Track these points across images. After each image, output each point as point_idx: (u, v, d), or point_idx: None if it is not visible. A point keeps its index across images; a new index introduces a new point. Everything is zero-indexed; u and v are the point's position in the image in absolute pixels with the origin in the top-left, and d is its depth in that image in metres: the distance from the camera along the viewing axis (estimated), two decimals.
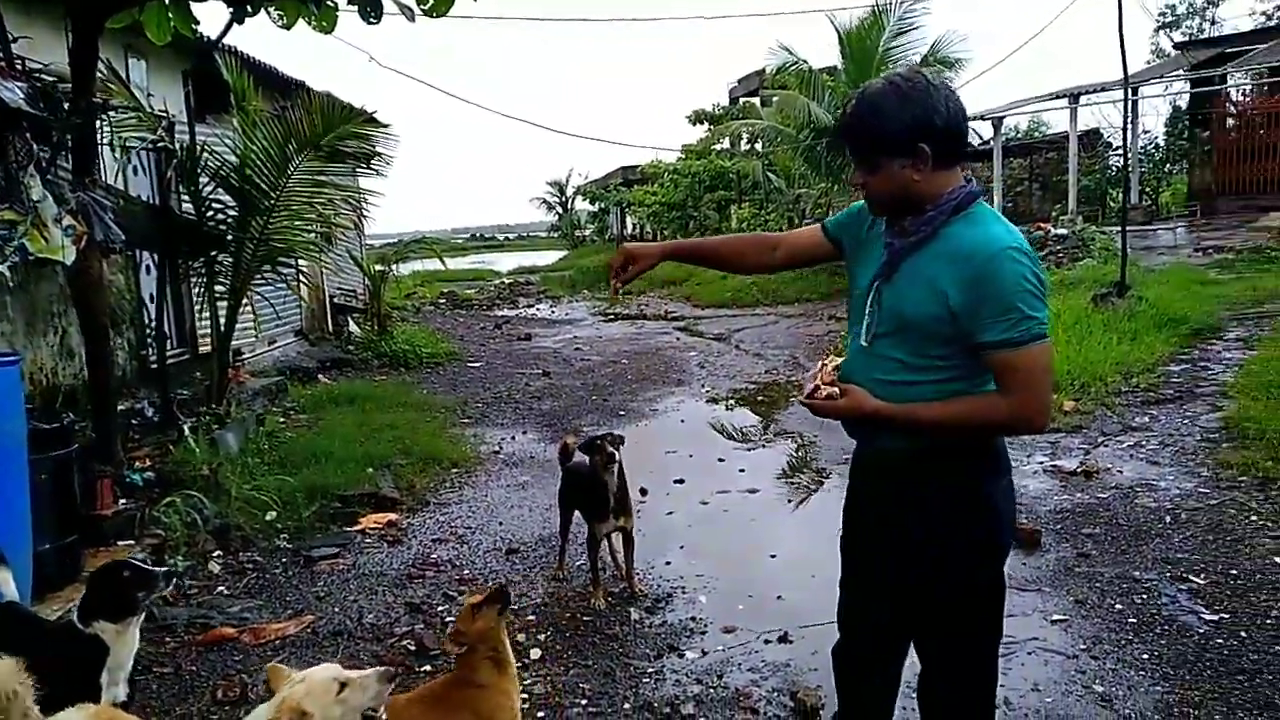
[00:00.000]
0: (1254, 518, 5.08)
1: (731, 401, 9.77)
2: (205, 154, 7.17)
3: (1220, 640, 3.83)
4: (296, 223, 7.59)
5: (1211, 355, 9.10)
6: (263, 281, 7.87)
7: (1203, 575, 4.46)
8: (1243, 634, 3.86)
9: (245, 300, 7.63)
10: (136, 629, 2.94)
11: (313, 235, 8.12)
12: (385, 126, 7.53)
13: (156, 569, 2.90)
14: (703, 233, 31.99)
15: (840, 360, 2.45)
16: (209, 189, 7.23)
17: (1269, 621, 3.94)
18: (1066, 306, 10.18)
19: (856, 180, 2.35)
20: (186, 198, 7.28)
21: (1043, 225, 17.63)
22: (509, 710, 2.86)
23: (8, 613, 3.10)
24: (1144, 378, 8.27)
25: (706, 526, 5.80)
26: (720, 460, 7.32)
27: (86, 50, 5.23)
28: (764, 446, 7.80)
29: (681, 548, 5.36)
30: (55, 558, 4.22)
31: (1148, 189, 23.21)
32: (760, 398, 9.89)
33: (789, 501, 6.32)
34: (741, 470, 6.97)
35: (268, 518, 5.71)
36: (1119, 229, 12.08)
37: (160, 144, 7.12)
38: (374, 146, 7.57)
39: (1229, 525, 5.03)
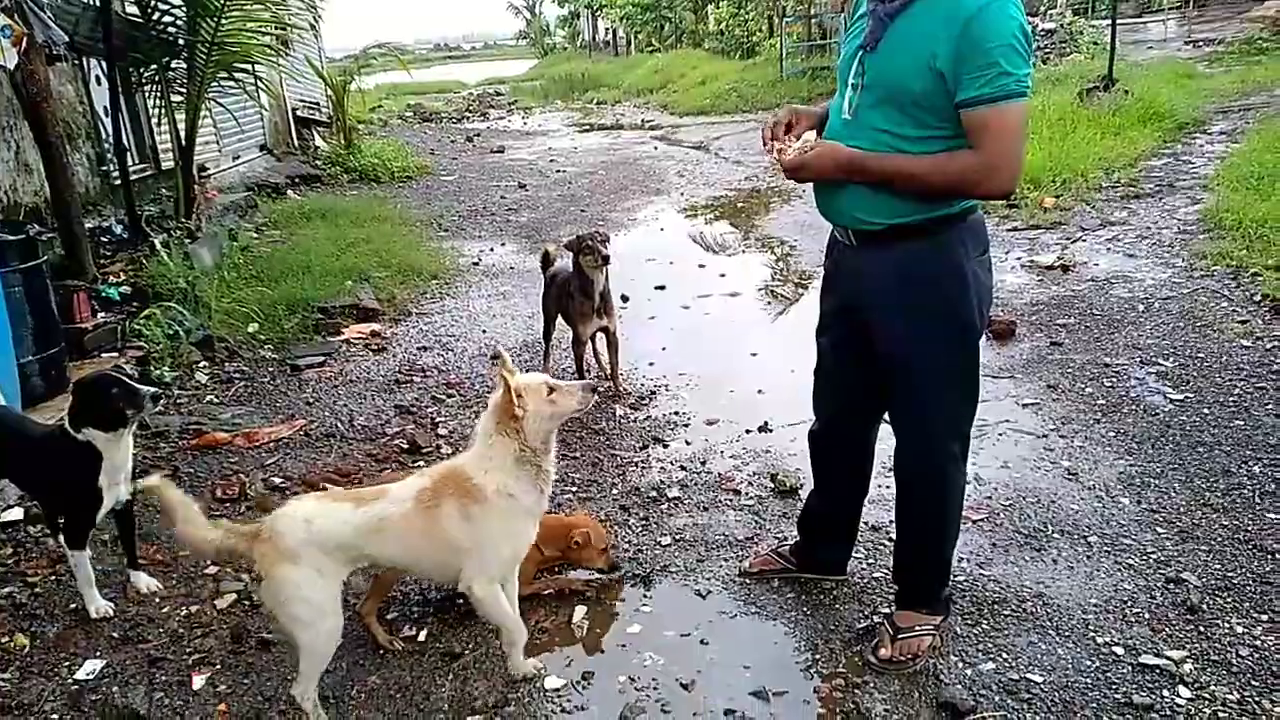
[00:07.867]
0: (1224, 304, 5.19)
1: (711, 209, 9.65)
2: None
3: (1184, 417, 3.99)
4: (249, 24, 7.16)
5: (1194, 149, 9.02)
6: (221, 91, 7.50)
7: (1171, 359, 4.59)
8: (1205, 411, 4.02)
9: (204, 111, 7.30)
10: (129, 437, 2.94)
11: (268, 39, 7.68)
12: None
13: (144, 388, 2.85)
14: (679, 36, 30.70)
15: (816, 136, 2.37)
16: None
17: (1231, 398, 4.09)
18: (1052, 103, 9.94)
19: None
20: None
21: (1030, 19, 16.94)
22: None
23: None
24: (1125, 172, 8.22)
25: (688, 328, 5.86)
26: (701, 266, 7.32)
27: None
28: (744, 252, 7.77)
29: (664, 349, 5.44)
30: (40, 369, 4.25)
31: None
32: (741, 205, 9.77)
33: (769, 304, 6.36)
34: (723, 275, 6.98)
35: (250, 329, 5.71)
36: (1109, 22, 11.66)
37: None
38: None
39: (1200, 312, 5.13)
